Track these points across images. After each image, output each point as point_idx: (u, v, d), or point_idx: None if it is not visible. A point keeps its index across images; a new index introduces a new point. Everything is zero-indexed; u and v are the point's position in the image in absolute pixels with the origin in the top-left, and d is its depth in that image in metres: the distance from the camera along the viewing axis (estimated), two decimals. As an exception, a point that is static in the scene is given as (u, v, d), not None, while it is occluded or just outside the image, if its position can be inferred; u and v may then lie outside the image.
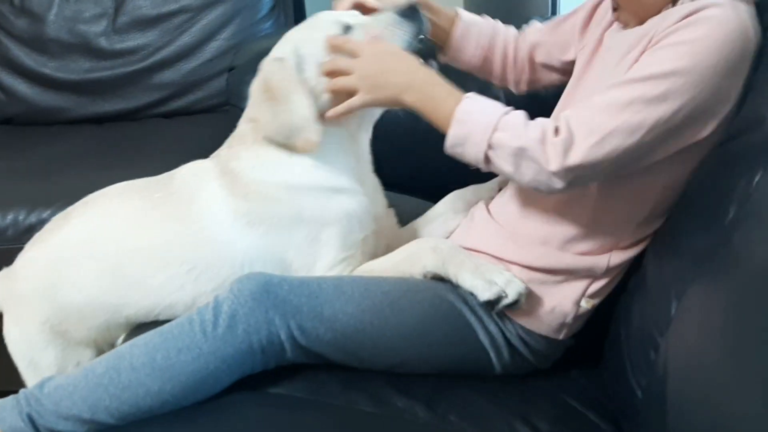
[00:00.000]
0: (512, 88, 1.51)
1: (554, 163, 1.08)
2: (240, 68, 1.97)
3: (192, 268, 1.28)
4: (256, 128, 1.31)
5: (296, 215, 1.28)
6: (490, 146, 1.12)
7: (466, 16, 1.45)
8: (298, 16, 2.66)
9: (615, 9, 1.24)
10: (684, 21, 1.07)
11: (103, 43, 2.41)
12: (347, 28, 1.28)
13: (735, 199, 1.00)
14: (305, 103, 1.24)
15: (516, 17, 2.11)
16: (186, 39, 2.43)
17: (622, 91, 1.07)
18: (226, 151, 1.35)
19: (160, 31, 2.42)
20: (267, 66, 1.30)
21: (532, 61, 1.46)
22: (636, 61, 1.11)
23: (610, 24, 1.31)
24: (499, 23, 1.50)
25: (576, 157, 1.07)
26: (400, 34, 1.28)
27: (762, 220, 0.93)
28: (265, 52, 2.01)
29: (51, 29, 2.40)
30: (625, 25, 1.23)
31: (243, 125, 1.36)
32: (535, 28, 1.48)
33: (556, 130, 1.09)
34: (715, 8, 1.06)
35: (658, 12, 1.16)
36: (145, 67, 2.43)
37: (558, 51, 1.41)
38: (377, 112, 1.35)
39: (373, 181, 1.40)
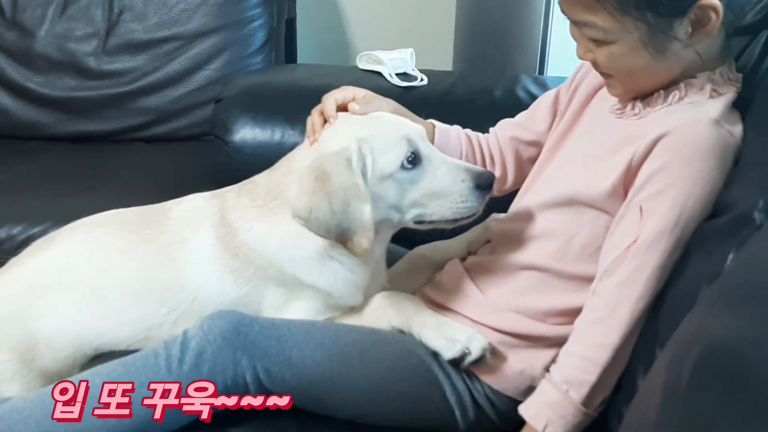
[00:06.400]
0: (497, 189, 1.47)
1: (615, 336, 1.13)
2: (227, 100, 1.97)
3: (172, 311, 1.26)
4: (278, 195, 1.26)
5: (281, 281, 1.26)
6: (583, 404, 1.14)
7: (441, 125, 1.44)
8: (290, 53, 2.67)
9: (603, 74, 1.25)
10: (664, 155, 1.12)
11: (92, 62, 2.40)
12: (414, 157, 1.21)
13: (708, 276, 1.01)
14: (366, 210, 1.17)
15: (505, 73, 2.16)
16: (175, 66, 2.43)
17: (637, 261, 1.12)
18: (233, 201, 1.29)
19: (150, 56, 2.42)
20: (329, 159, 1.19)
21: (518, 158, 1.46)
22: (622, 170, 1.16)
23: (594, 92, 1.34)
24: (468, 130, 1.49)
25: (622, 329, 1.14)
26: (466, 205, 1.22)
27: (727, 297, 0.94)
28: (254, 86, 2.05)
29: (40, 45, 2.39)
30: (615, 96, 1.25)
31: (263, 179, 1.30)
32: (509, 124, 1.49)
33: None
34: (695, 128, 1.11)
35: (649, 90, 1.20)
36: (131, 91, 2.41)
37: (543, 138, 1.42)
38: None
39: (382, 258, 1.35)
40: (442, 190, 1.22)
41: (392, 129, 1.24)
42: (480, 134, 1.50)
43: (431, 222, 1.25)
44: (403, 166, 1.20)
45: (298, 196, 1.20)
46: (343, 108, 1.32)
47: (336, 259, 1.26)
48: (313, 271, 1.25)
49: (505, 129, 1.48)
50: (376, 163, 1.20)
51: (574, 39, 1.21)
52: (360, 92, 1.34)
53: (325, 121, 1.28)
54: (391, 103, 1.37)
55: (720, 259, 1.01)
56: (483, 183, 1.22)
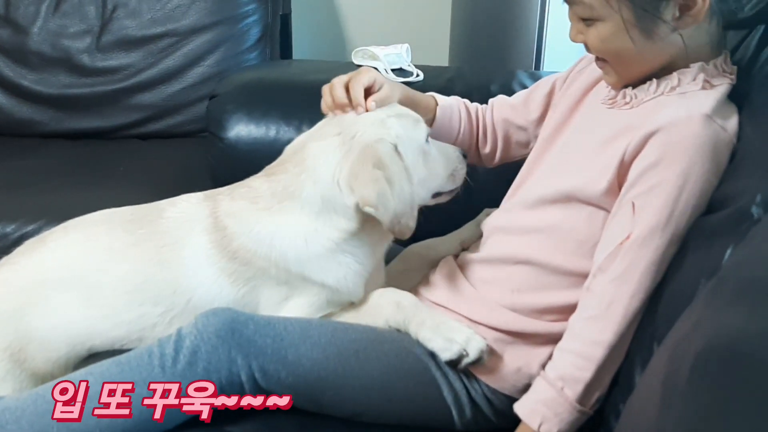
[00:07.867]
0: (485, 163, 1.54)
1: (609, 333, 1.13)
2: (222, 96, 1.96)
3: (167, 311, 1.24)
4: (289, 196, 1.24)
5: (283, 280, 1.24)
6: (578, 402, 1.14)
7: (443, 101, 1.47)
8: (285, 49, 2.67)
9: (598, 59, 1.25)
10: (656, 152, 1.11)
11: (86, 59, 2.39)
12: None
13: (706, 272, 1.01)
14: (413, 192, 1.23)
15: (501, 68, 2.15)
16: (169, 62, 2.42)
17: (629, 257, 1.12)
18: (227, 204, 1.27)
19: (144, 52, 2.41)
20: (379, 147, 1.21)
21: (507, 139, 1.49)
22: (616, 162, 1.16)
23: (591, 87, 1.33)
24: (467, 101, 1.52)
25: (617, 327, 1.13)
26: (462, 166, 1.34)
27: (726, 292, 0.93)
28: (249, 82, 2.04)
29: (34, 42, 2.38)
30: (610, 84, 1.25)
31: (262, 183, 1.28)
32: (505, 104, 1.50)
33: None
34: (687, 125, 1.10)
35: (642, 77, 1.20)
36: (125, 87, 2.40)
37: (533, 126, 1.45)
38: None
39: (382, 256, 1.35)
40: (447, 157, 1.33)
41: (406, 110, 1.31)
42: (479, 106, 1.52)
43: (443, 193, 1.34)
44: (426, 140, 1.29)
45: (361, 187, 1.20)
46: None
47: (348, 252, 1.25)
48: (324, 268, 1.24)
49: (501, 108, 1.50)
50: (412, 140, 1.27)
51: (571, 22, 1.22)
52: (372, 74, 1.33)
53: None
54: (400, 86, 1.39)
55: (718, 254, 1.00)
56: (463, 151, 1.37)
